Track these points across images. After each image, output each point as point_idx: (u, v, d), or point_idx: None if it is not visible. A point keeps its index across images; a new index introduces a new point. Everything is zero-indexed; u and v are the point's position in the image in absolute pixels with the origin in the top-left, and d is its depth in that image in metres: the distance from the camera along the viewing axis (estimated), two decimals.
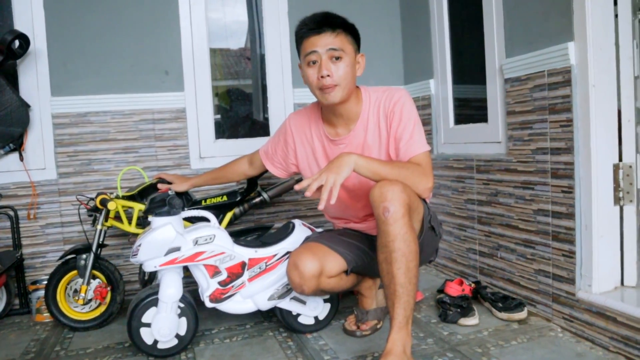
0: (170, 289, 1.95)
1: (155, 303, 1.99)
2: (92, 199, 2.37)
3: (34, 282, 2.58)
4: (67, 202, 2.70)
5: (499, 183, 2.39)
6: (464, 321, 2.17)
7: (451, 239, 2.83)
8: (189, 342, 2.05)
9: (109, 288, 2.38)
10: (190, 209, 2.30)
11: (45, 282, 2.38)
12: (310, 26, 1.82)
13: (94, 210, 2.33)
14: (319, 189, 1.60)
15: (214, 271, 2.01)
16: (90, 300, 2.36)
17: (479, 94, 2.56)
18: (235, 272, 2.03)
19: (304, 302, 2.16)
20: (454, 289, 2.40)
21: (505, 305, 2.22)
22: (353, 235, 2.07)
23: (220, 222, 2.46)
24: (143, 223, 2.36)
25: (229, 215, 2.51)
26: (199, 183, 2.38)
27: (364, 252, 2.00)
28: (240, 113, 3.27)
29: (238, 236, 2.56)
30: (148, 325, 1.98)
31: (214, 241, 1.99)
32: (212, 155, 2.91)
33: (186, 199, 2.41)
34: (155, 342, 1.99)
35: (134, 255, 1.92)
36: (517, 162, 2.27)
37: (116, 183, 2.57)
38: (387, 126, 1.90)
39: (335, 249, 1.95)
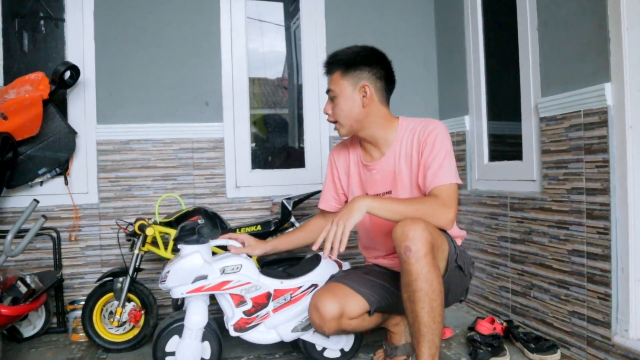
0: (196, 316, 1.98)
1: (177, 331, 2.02)
2: (130, 224, 2.45)
3: (72, 302, 2.66)
4: (106, 226, 2.79)
5: (533, 221, 2.37)
6: None
7: (483, 276, 2.80)
8: None
9: (143, 312, 2.44)
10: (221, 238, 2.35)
11: (83, 303, 2.45)
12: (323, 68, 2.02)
13: (132, 235, 2.40)
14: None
15: (240, 300, 2.03)
16: (124, 322, 2.41)
17: (514, 131, 2.56)
18: (261, 303, 2.05)
19: (327, 335, 2.15)
20: (485, 327, 2.36)
21: (538, 346, 2.17)
22: (379, 274, 2.06)
23: None
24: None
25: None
26: (276, 248, 2.18)
27: (389, 291, 1.98)
28: (277, 143, 3.34)
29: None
30: (172, 353, 2.01)
31: (240, 271, 2.02)
32: (248, 184, 2.97)
33: (221, 227, 2.46)
34: None
35: (162, 281, 1.96)
36: (551, 201, 2.25)
37: (154, 209, 2.65)
38: (419, 155, 1.91)
39: (358, 290, 1.95)
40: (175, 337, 2.03)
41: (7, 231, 2.48)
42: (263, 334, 2.09)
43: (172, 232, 2.40)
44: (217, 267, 1.99)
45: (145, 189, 2.85)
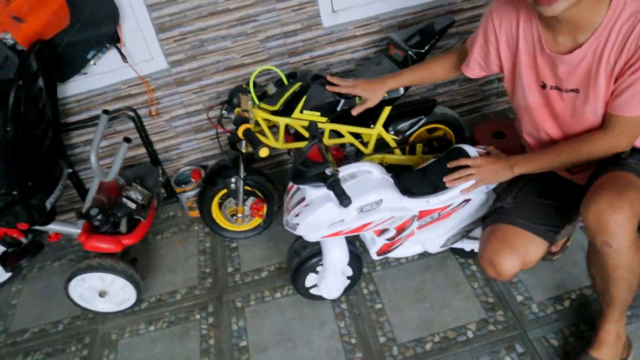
0: (336, 253, 1.76)
1: (311, 270, 1.87)
2: (225, 102, 1.98)
3: (177, 184, 2.41)
4: (187, 92, 2.29)
5: None
6: None
7: None
8: (359, 277, 1.98)
9: (264, 203, 2.20)
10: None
11: (190, 185, 2.36)
12: None
13: (235, 141, 1.94)
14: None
15: (382, 231, 1.76)
16: (247, 216, 2.22)
17: None
18: (404, 227, 1.78)
19: (476, 238, 1.90)
20: None
21: None
22: (555, 190, 1.62)
23: (377, 119, 2.05)
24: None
25: (387, 110, 2.06)
26: (396, 85, 1.88)
27: (565, 212, 1.60)
28: None
29: (398, 120, 2.13)
30: (314, 286, 1.91)
31: (380, 206, 1.66)
32: (347, 6, 2.20)
33: (342, 98, 1.95)
34: None
35: (291, 228, 1.67)
36: None
37: (247, 72, 2.10)
38: (625, 62, 1.29)
39: (535, 229, 1.55)
40: (312, 275, 1.89)
41: (76, 123, 2.23)
42: (407, 247, 1.92)
43: (281, 121, 1.94)
44: (354, 207, 1.63)
45: (220, 40, 2.17)
